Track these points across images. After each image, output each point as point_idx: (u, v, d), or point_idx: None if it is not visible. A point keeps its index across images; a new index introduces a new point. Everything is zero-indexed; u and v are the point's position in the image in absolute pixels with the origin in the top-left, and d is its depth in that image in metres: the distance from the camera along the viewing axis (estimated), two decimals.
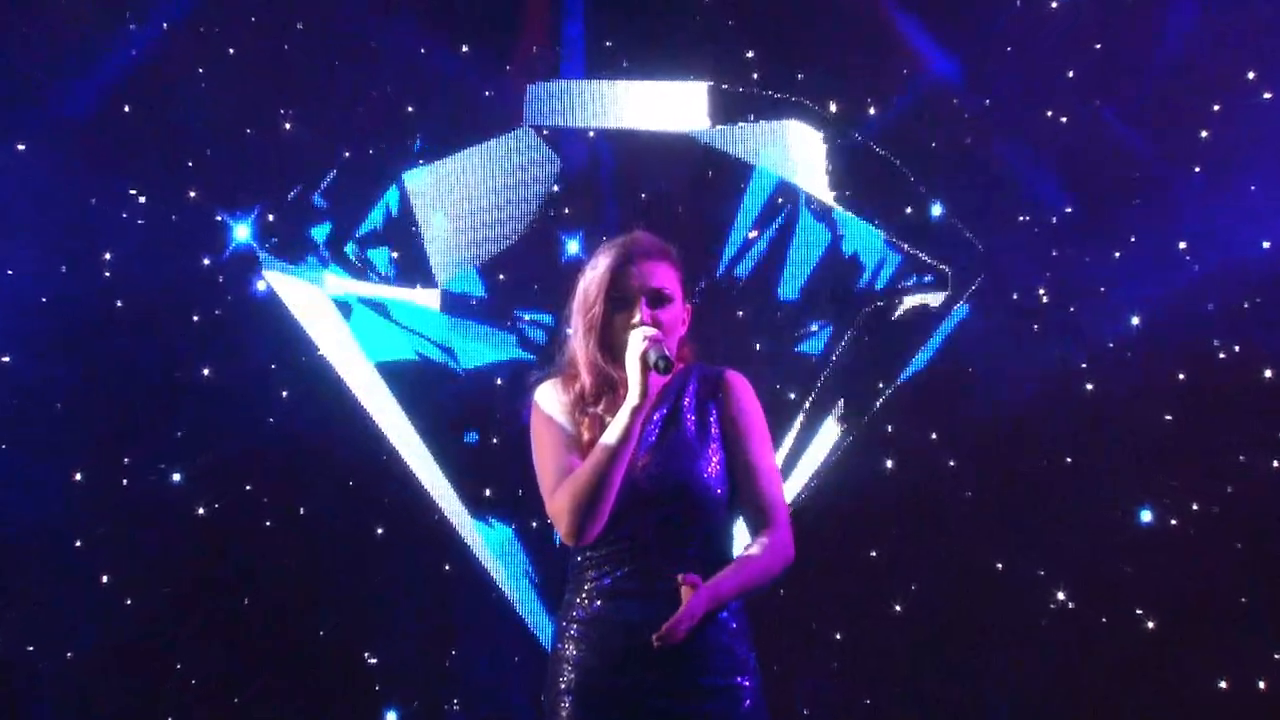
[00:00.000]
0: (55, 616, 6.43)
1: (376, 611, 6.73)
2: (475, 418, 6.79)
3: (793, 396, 6.82)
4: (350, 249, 6.76)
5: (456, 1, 6.82)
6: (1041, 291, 6.80)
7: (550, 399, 4.05)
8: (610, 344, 4.00)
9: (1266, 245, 6.52)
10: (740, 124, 6.80)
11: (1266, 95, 6.56)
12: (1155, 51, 6.61)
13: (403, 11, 6.75)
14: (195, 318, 6.65)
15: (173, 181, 6.58)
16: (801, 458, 6.80)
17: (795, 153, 6.83)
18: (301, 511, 6.70)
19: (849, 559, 6.81)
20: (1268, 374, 6.56)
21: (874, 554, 6.86)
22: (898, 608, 6.81)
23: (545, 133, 6.80)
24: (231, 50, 6.65)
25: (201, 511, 6.62)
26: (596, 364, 4.01)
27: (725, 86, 6.79)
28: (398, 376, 6.74)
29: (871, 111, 6.83)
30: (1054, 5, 6.73)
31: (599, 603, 3.94)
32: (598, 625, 3.93)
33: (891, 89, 6.82)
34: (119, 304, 6.56)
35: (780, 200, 6.88)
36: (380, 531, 6.78)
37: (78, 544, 6.49)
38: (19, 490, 6.33)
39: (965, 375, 6.78)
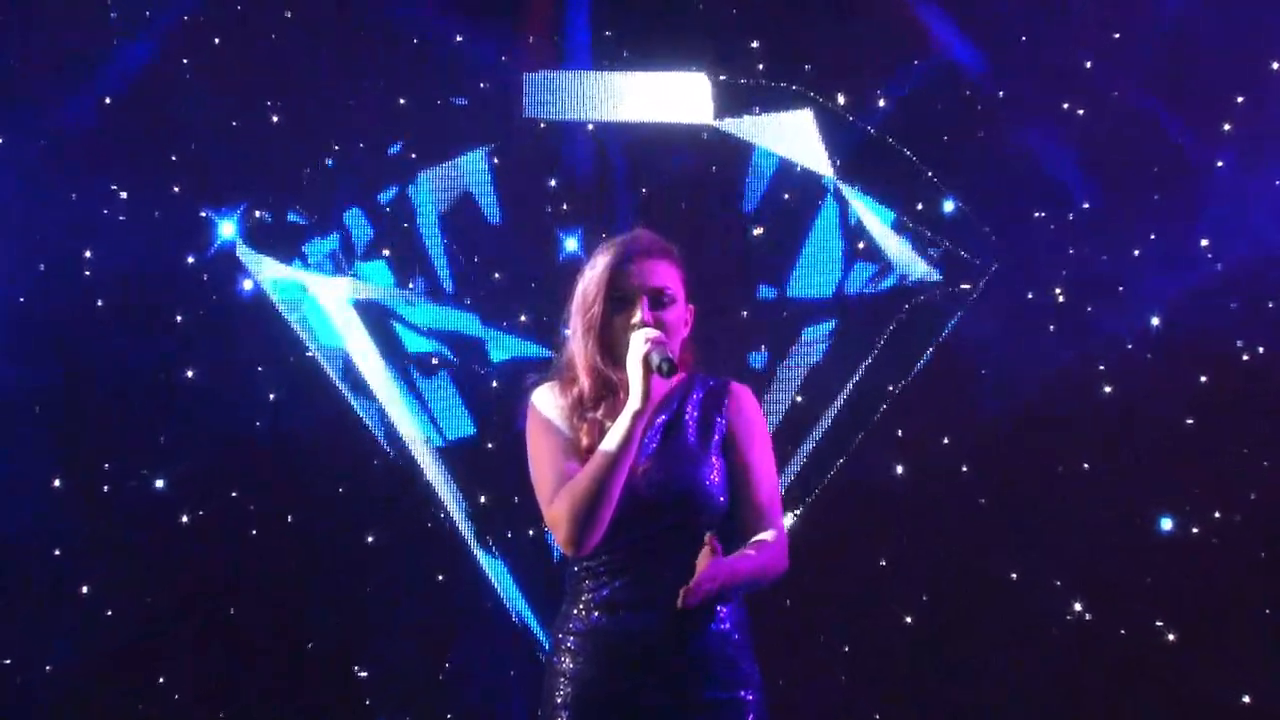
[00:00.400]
0: (33, 628, 6.42)
1: (367, 622, 6.72)
2: (469, 421, 6.79)
3: (799, 400, 6.82)
4: (340, 247, 6.76)
5: None
6: (1058, 290, 6.80)
7: (548, 403, 4.04)
8: (610, 345, 3.99)
9: None
10: (745, 117, 6.80)
11: None
12: (1176, 40, 6.61)
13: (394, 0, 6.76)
14: (179, 318, 6.65)
15: (156, 176, 6.58)
16: (808, 463, 6.80)
17: (802, 147, 6.82)
18: (290, 519, 6.70)
19: (857, 568, 6.80)
20: None
21: (883, 563, 6.85)
22: (908, 619, 6.81)
23: (543, 126, 6.80)
24: (217, 40, 6.66)
25: (186, 519, 6.62)
26: (596, 366, 3.99)
27: (729, 78, 6.79)
28: (389, 379, 6.74)
29: (881, 103, 6.83)
30: None
31: (597, 614, 3.93)
32: (596, 637, 3.93)
33: (902, 80, 6.81)
34: (100, 304, 6.56)
35: (786, 196, 6.88)
36: (371, 539, 6.77)
37: (57, 553, 6.48)
38: None
39: (978, 377, 6.77)
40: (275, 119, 6.72)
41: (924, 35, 6.74)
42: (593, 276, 4.02)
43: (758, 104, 6.79)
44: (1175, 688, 6.56)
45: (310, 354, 6.69)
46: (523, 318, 6.82)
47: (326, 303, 6.74)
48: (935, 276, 6.78)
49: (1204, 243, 6.64)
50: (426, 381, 6.79)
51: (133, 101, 6.54)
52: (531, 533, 6.69)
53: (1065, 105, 6.76)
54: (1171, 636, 6.64)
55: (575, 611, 3.97)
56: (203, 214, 6.61)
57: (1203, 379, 6.64)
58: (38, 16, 6.46)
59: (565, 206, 6.87)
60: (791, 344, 6.85)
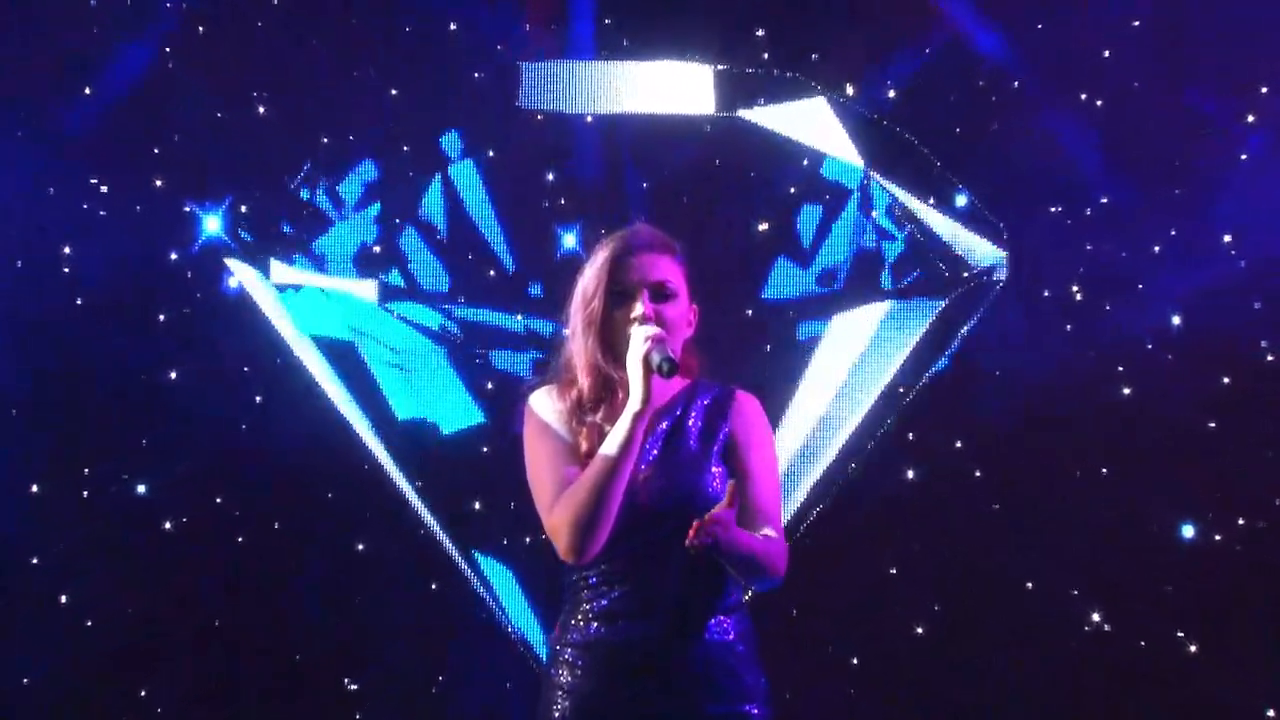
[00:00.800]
0: (10, 639, 6.44)
1: (357, 633, 6.72)
2: (463, 424, 6.78)
3: (805, 403, 6.80)
4: (329, 243, 6.75)
5: None
6: (1074, 288, 6.78)
7: (546, 406, 4.03)
8: (610, 342, 3.96)
9: None
10: (749, 108, 6.78)
11: None
12: (1198, 29, 6.61)
13: None
14: (161, 317, 6.65)
15: (137, 169, 6.58)
16: (816, 467, 6.78)
17: (808, 139, 6.81)
18: (276, 525, 6.69)
19: (866, 576, 6.78)
20: None
21: (893, 570, 6.83)
22: (918, 629, 6.80)
23: (540, 117, 6.80)
24: (201, 29, 6.65)
25: (169, 525, 6.63)
26: (596, 364, 3.97)
27: (732, 67, 6.78)
28: (379, 381, 6.75)
29: (891, 94, 6.81)
30: None
31: (596, 624, 3.92)
32: (595, 648, 3.92)
33: (912, 70, 6.79)
34: (79, 302, 6.56)
35: (792, 191, 6.87)
36: (361, 547, 6.76)
37: (34, 561, 6.50)
38: None
39: (992, 379, 6.76)
40: (262, 110, 6.70)
41: (936, 23, 6.73)
42: (592, 271, 4.00)
43: (762, 95, 6.77)
44: (1196, 701, 6.56)
45: (297, 355, 6.68)
46: (519, 316, 6.79)
47: (315, 301, 6.74)
48: (947, 274, 6.77)
49: (1226, 238, 6.63)
50: (419, 383, 6.79)
51: (112, 90, 6.55)
52: (528, 540, 6.68)
53: (1083, 96, 6.74)
54: (1193, 648, 6.63)
55: (574, 622, 3.95)
56: (187, 208, 6.61)
57: (1225, 380, 6.63)
58: (19, 10, 6.50)
59: (563, 201, 6.85)
60: (796, 344, 6.85)
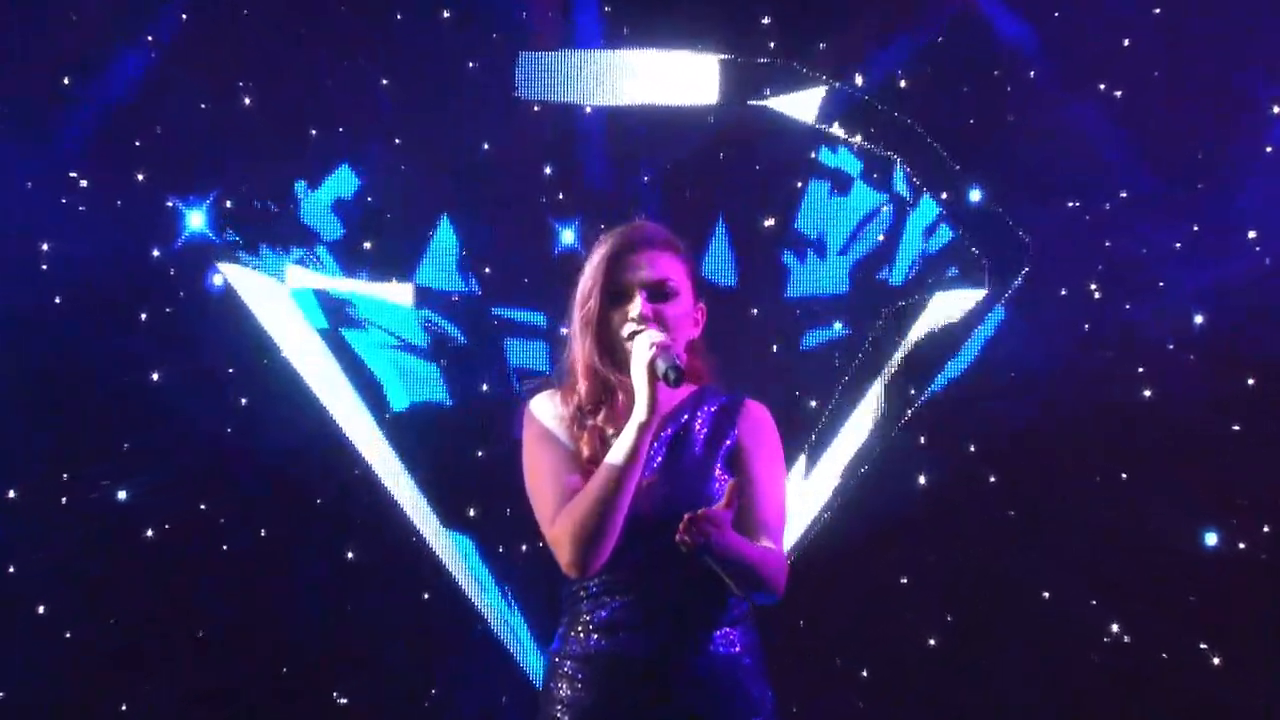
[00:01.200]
0: None
1: (347, 646, 6.69)
2: (458, 428, 6.76)
3: (813, 405, 6.80)
4: (318, 238, 6.73)
5: None
6: (1092, 286, 6.78)
7: (546, 410, 4.02)
8: (608, 344, 3.96)
9: None
10: (755, 99, 6.78)
11: None
12: (1221, 16, 6.62)
13: None
14: (143, 316, 6.63)
15: (118, 163, 6.57)
16: (823, 473, 6.78)
17: (816, 131, 6.81)
18: (263, 533, 6.67)
19: (876, 586, 6.78)
20: None
21: (905, 580, 6.82)
22: (931, 641, 6.79)
23: (536, 108, 6.79)
24: (184, 15, 6.63)
25: (151, 533, 6.59)
26: (593, 366, 3.97)
27: (737, 57, 6.77)
28: (370, 382, 6.74)
29: (902, 85, 6.81)
30: None
31: (596, 635, 3.91)
32: (594, 661, 3.91)
33: (925, 60, 6.81)
34: (57, 300, 6.54)
35: (799, 185, 6.85)
36: (351, 556, 6.73)
37: (11, 570, 6.46)
38: None
39: (1006, 381, 6.76)
40: (247, 101, 6.69)
41: (949, 10, 6.74)
42: (589, 270, 4.00)
43: (769, 85, 6.77)
44: (1220, 716, 6.57)
45: (284, 356, 6.67)
46: (514, 315, 6.78)
47: (304, 300, 6.71)
48: (959, 272, 6.78)
49: (1251, 234, 6.65)
50: (410, 384, 6.77)
51: (92, 81, 6.55)
52: (525, 548, 6.68)
53: (1101, 86, 6.75)
54: (1216, 660, 6.64)
55: (573, 634, 3.94)
56: (169, 203, 6.60)
57: (1249, 382, 6.64)
58: None
59: (561, 196, 6.84)
60: (804, 345, 6.84)
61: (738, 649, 3.90)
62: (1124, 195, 6.74)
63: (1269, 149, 6.64)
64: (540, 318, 6.74)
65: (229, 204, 6.63)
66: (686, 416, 4.01)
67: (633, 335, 3.90)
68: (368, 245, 6.77)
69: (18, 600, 6.42)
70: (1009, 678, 6.68)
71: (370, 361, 6.75)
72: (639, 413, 3.82)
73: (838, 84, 6.76)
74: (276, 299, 6.70)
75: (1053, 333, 6.72)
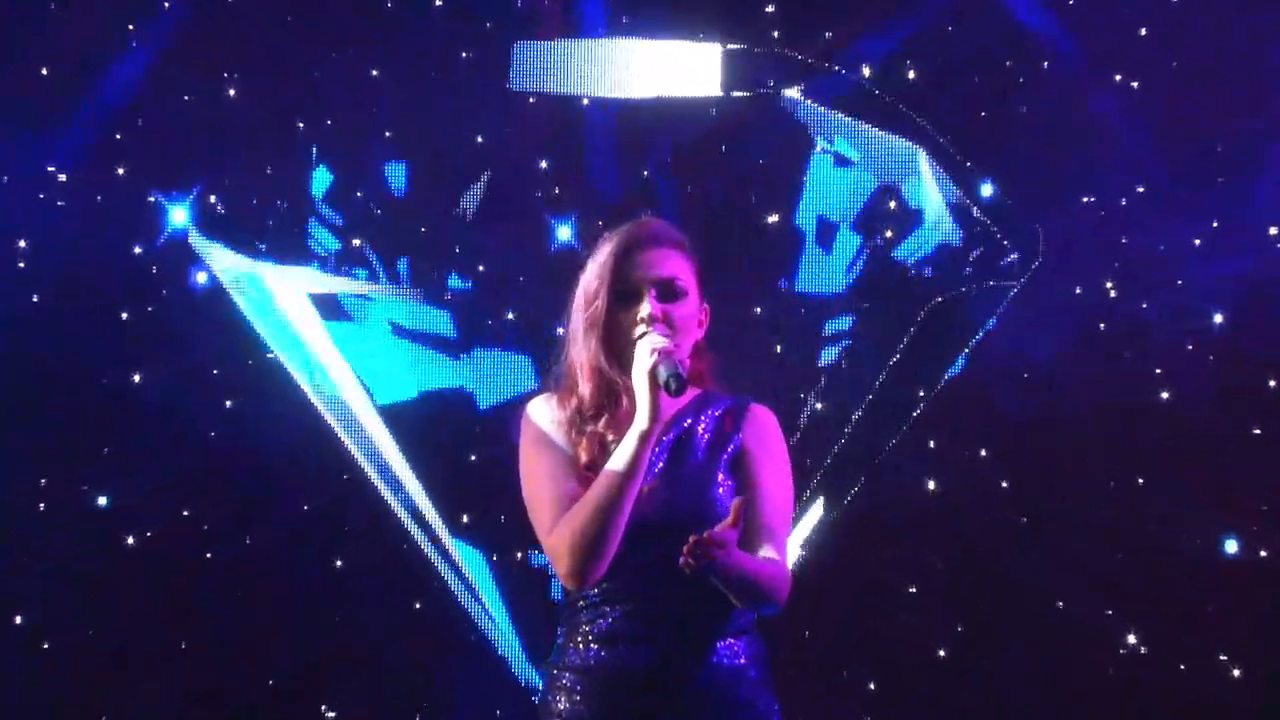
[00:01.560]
0: None
1: (336, 656, 6.70)
2: (452, 432, 6.77)
3: (819, 406, 6.80)
4: (305, 235, 6.73)
5: None
6: (1108, 284, 6.76)
7: (545, 415, 3.99)
8: (615, 346, 3.92)
9: None
10: (758, 90, 6.78)
11: None
12: (1241, 4, 6.62)
13: None
14: (125, 315, 6.65)
15: (98, 157, 6.59)
16: (829, 477, 6.77)
17: (821, 124, 6.82)
18: (248, 541, 6.66)
19: (884, 595, 6.77)
20: None
21: (913, 590, 6.80)
22: (940, 652, 6.77)
23: (532, 100, 6.81)
24: (166, 4, 6.65)
25: (132, 540, 6.60)
26: (599, 369, 3.93)
27: (739, 46, 6.78)
28: (360, 383, 6.73)
29: (911, 75, 6.82)
30: None
31: (595, 646, 3.88)
32: (594, 674, 3.87)
33: (934, 50, 6.80)
34: (35, 299, 6.57)
35: (804, 179, 6.83)
36: (340, 564, 6.73)
37: None
38: None
39: (1019, 382, 6.74)
40: (232, 93, 6.71)
41: (959, 3, 6.76)
42: (595, 269, 3.97)
43: (772, 75, 6.78)
44: None
45: (271, 355, 6.70)
46: (510, 315, 6.79)
47: (290, 298, 6.72)
48: (971, 269, 6.77)
49: (1272, 230, 6.65)
50: (401, 387, 6.77)
51: (71, 72, 6.57)
52: (520, 556, 6.70)
53: (1118, 77, 6.75)
54: (1237, 672, 6.63)
55: (571, 644, 3.91)
56: (151, 199, 6.62)
57: (1271, 383, 6.65)
58: None
59: (557, 191, 6.85)
60: (809, 344, 6.83)
61: (743, 660, 3.87)
62: (1141, 190, 6.74)
63: None
64: (536, 315, 6.73)
65: (213, 200, 6.65)
66: (689, 421, 3.98)
67: (641, 337, 3.87)
68: (357, 242, 6.77)
69: None
70: (1021, 690, 6.67)
71: (360, 361, 6.75)
72: (640, 421, 3.80)
73: (843, 75, 6.77)
74: (263, 297, 6.70)
75: (1067, 332, 6.71)
